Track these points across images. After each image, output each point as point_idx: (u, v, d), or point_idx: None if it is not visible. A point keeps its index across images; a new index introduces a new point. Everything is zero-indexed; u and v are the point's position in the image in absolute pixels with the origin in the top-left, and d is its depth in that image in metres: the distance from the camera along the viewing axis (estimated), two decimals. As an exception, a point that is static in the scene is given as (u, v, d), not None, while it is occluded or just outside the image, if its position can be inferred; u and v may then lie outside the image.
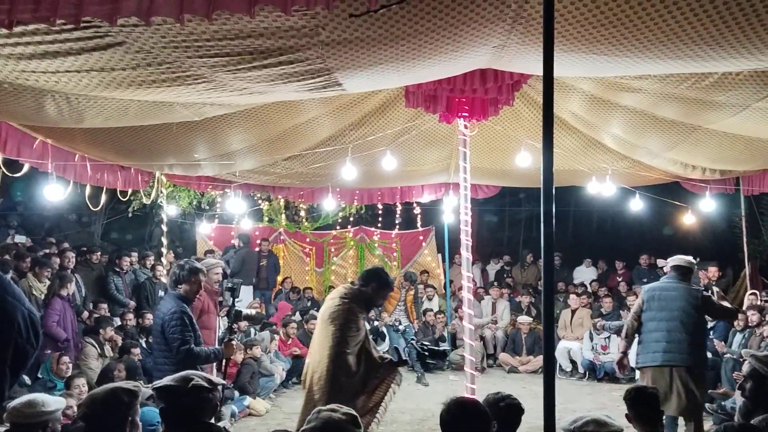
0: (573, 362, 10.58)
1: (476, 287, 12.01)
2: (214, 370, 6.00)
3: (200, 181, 10.13)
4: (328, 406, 2.68)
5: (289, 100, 5.93)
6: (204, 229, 13.67)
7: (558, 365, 10.35)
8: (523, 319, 11.26)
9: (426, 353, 5.08)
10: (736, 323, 8.38)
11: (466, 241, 6.63)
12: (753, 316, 8.20)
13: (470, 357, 6.60)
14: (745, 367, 3.56)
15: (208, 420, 3.36)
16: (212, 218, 14.01)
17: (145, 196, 9.35)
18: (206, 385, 3.23)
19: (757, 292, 9.74)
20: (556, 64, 2.88)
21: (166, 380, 3.28)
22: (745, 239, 10.54)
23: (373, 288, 4.91)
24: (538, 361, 10.48)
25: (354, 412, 2.72)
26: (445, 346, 10.86)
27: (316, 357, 4.72)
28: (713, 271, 10.86)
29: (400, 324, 10.27)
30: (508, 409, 3.48)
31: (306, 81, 4.17)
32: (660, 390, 5.59)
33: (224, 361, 5.75)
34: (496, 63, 4.68)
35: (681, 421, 6.01)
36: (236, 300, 5.98)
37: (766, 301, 9.24)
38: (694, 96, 5.48)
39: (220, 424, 5.43)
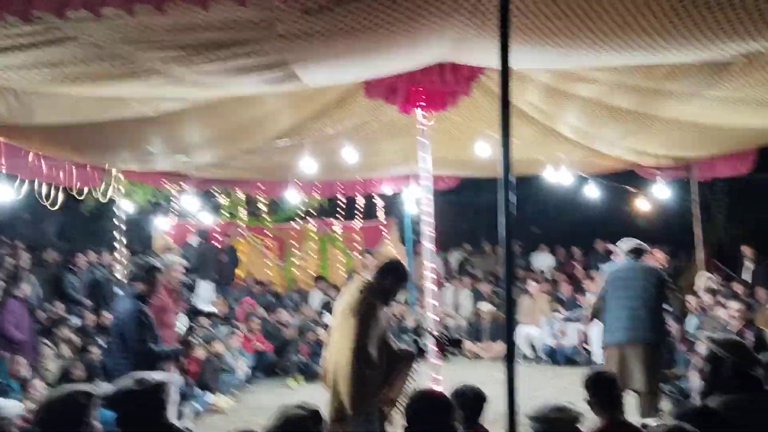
0: (534, 348, 10.75)
1: (439, 277, 12.08)
2: (173, 369, 5.92)
3: (157, 176, 9.94)
4: (293, 403, 2.67)
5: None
6: (161, 226, 13.42)
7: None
8: (485, 307, 11.38)
9: (446, 342, 5.09)
10: (690, 306, 8.62)
11: (428, 232, 6.66)
12: (707, 299, 8.42)
13: (433, 346, 6.64)
14: (702, 350, 3.64)
15: (167, 420, 3.30)
16: (169, 214, 13.76)
17: (101, 194, 9.14)
18: (158, 383, 3.17)
19: (711, 276, 10.01)
20: (513, 57, 2.91)
21: (117, 386, 3.20)
22: (697, 224, 10.83)
23: (391, 281, 4.87)
24: (500, 347, 10.59)
25: (317, 409, 2.71)
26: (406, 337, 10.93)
27: (338, 351, 4.66)
28: (661, 255, 11.11)
29: None
30: (474, 399, 3.52)
31: (264, 74, 4.12)
32: (626, 367, 5.82)
33: (184, 358, 5.68)
34: (454, 56, 4.70)
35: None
36: (195, 296, 5.92)
37: (718, 284, 9.50)
38: (647, 85, 5.60)
39: (182, 423, 5.37)
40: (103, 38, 3.21)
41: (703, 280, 9.83)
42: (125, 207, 10.10)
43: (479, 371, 9.74)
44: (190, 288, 5.94)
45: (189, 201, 10.85)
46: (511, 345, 2.89)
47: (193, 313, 5.87)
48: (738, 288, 8.61)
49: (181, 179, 10.27)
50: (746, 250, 9.71)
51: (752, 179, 9.70)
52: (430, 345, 5.26)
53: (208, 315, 6.85)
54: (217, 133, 7.35)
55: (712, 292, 8.63)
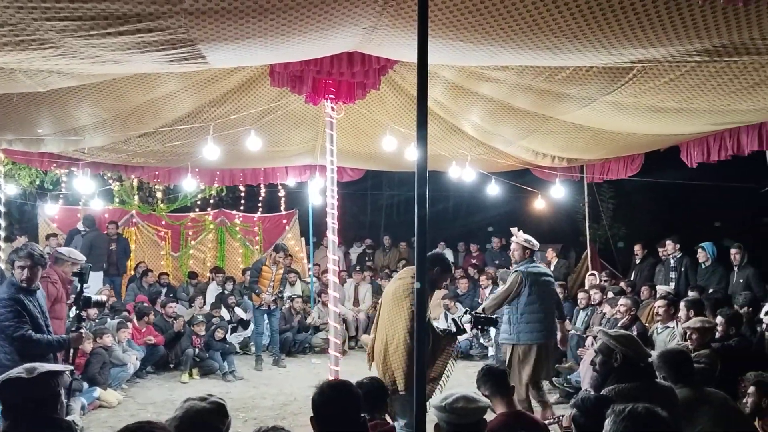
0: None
1: (340, 270, 12.06)
2: (60, 360, 5.58)
3: (43, 158, 9.32)
4: (197, 396, 2.55)
5: (145, 73, 5.57)
6: (47, 211, 12.61)
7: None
8: (384, 301, 11.46)
9: (482, 320, 5.44)
10: (579, 302, 9.04)
11: (332, 224, 6.61)
12: (595, 295, 8.85)
13: (334, 340, 6.62)
14: (594, 343, 3.82)
15: (54, 413, 3.10)
16: (56, 199, 12.96)
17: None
18: (53, 372, 2.99)
19: (596, 273, 10.57)
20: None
21: (7, 374, 3.01)
22: (587, 224, 11.41)
23: (436, 271, 5.16)
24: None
25: (221, 401, 2.62)
26: (307, 333, 10.83)
27: (389, 331, 4.99)
28: (551, 253, 11.63)
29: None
30: (377, 391, 3.53)
31: (166, 52, 3.91)
32: (540, 361, 6.27)
33: (72, 350, 5.39)
34: (365, 46, 4.66)
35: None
36: (85, 286, 5.60)
37: (605, 281, 10.02)
38: (547, 88, 5.79)
39: (69, 417, 5.06)
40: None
41: (590, 277, 10.37)
42: (8, 190, 9.41)
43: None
44: (81, 277, 5.62)
45: (79, 186, 10.23)
46: (420, 338, 2.90)
47: (81, 303, 5.53)
48: (624, 285, 9.10)
49: (70, 162, 9.68)
50: (638, 249, 10.31)
51: (639, 182, 10.28)
52: (467, 325, 5.58)
53: (96, 305, 6.46)
54: (111, 114, 6.95)
55: (600, 289, 9.07)
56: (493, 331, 8.47)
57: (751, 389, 4.37)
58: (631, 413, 2.40)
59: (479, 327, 5.53)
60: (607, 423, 2.47)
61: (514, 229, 6.75)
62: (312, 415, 2.90)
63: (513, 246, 6.64)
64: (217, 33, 3.63)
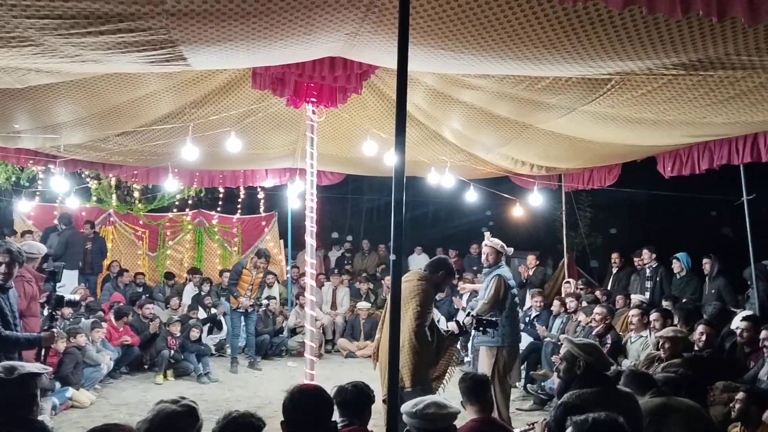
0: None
1: (318, 274, 12.04)
2: (27, 359, 5.51)
3: (20, 154, 9.20)
4: (170, 398, 2.54)
5: (126, 72, 5.53)
6: (23, 208, 12.44)
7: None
8: (362, 305, 11.47)
9: (484, 322, 5.70)
10: (554, 309, 9.09)
11: (311, 227, 6.60)
12: (571, 303, 8.90)
13: (310, 343, 6.61)
14: (562, 350, 3.89)
15: (30, 414, 3.06)
16: (33, 196, 12.78)
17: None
18: (32, 374, 2.96)
19: (572, 281, 10.64)
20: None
21: None
22: (564, 232, 11.50)
23: (441, 275, 5.58)
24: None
25: (193, 404, 2.61)
26: (284, 335, 10.79)
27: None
28: (531, 259, 11.70)
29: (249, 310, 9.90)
30: (357, 397, 3.50)
31: (147, 52, 3.90)
32: (515, 363, 6.57)
33: (43, 350, 5.31)
34: (347, 52, 4.68)
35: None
36: (58, 285, 5.54)
37: (581, 289, 10.09)
38: (527, 97, 5.85)
39: (40, 417, 4.99)
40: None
41: (565, 285, 10.45)
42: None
43: (353, 368, 9.82)
44: (54, 276, 5.55)
45: (55, 183, 10.11)
46: (393, 344, 2.92)
47: (54, 302, 5.46)
48: (598, 294, 9.17)
49: (47, 159, 9.57)
50: (615, 258, 10.39)
51: (617, 191, 10.39)
52: (470, 326, 5.81)
53: (69, 305, 6.38)
54: (90, 111, 6.88)
55: (576, 297, 9.14)
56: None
57: (741, 395, 4.49)
58: (594, 422, 2.45)
59: (481, 329, 5.71)
60: None
61: (487, 234, 6.82)
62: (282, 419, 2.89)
63: (487, 250, 6.62)
64: (198, 35, 3.62)
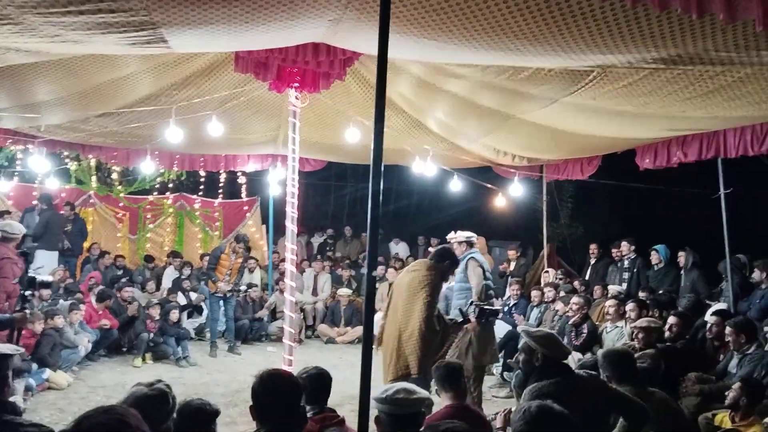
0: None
1: (300, 260, 12.03)
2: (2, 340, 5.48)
3: (-1, 134, 9.09)
4: (144, 382, 2.55)
5: (106, 53, 5.46)
6: (2, 188, 12.29)
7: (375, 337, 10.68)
8: (343, 291, 11.49)
9: (487, 311, 5.96)
10: (532, 299, 9.16)
11: (292, 213, 6.60)
12: (549, 293, 8.98)
13: (290, 329, 6.63)
14: (520, 343, 3.95)
15: (0, 395, 3.06)
16: (11, 176, 12.63)
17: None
18: (3, 355, 2.95)
19: (551, 271, 10.73)
20: (390, 46, 2.92)
21: None
22: (545, 222, 11.57)
23: (447, 264, 5.82)
24: (356, 332, 10.74)
25: (165, 388, 2.62)
26: (264, 321, 10.80)
27: (403, 319, 5.48)
28: (512, 253, 11.75)
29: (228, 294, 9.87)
30: (320, 381, 3.57)
31: (127, 34, 3.86)
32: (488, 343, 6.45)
33: (17, 331, 5.28)
34: (330, 38, 4.66)
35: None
36: (32, 266, 5.51)
37: (560, 279, 10.18)
38: (510, 87, 5.87)
39: (11, 398, 4.97)
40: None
41: (546, 275, 10.53)
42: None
43: (333, 354, 9.86)
44: (27, 257, 5.52)
45: (34, 163, 9.99)
46: (368, 330, 2.93)
47: (26, 283, 5.44)
48: (576, 284, 9.26)
49: (26, 139, 9.45)
50: (594, 249, 10.47)
51: (598, 183, 10.46)
52: (472, 315, 5.98)
53: (42, 286, 6.35)
54: (69, 91, 6.80)
55: (554, 286, 9.22)
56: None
57: (737, 385, 4.65)
58: (525, 413, 2.51)
59: (484, 317, 5.83)
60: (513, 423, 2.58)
61: (451, 233, 6.98)
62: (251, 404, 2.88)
63: (455, 244, 6.82)
64: (179, 17, 3.59)
